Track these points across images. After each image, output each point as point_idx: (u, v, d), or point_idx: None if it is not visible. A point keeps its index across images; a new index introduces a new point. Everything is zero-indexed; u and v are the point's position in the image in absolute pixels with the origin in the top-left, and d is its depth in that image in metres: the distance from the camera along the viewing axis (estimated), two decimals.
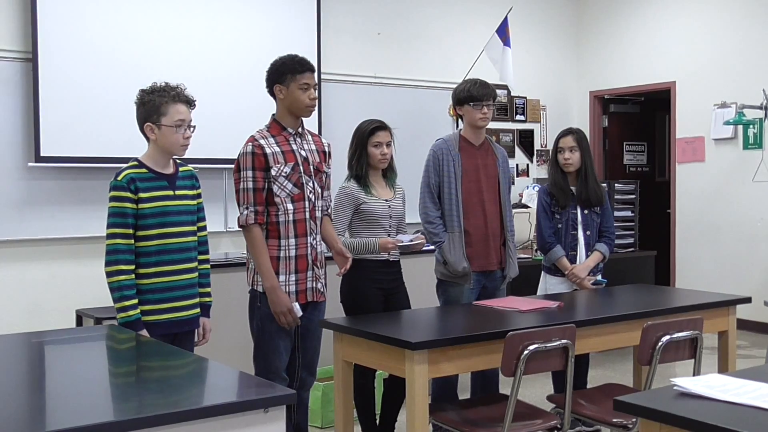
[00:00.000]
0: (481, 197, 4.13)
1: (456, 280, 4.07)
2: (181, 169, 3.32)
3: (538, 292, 4.48)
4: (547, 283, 4.45)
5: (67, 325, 5.15)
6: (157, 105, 3.15)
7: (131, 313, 3.09)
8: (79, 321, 5.30)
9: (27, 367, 2.68)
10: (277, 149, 3.48)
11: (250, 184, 3.44)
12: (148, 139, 3.22)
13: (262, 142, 3.47)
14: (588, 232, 4.40)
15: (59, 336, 3.19)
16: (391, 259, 3.99)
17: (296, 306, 3.46)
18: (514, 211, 4.45)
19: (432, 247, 4.19)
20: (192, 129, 3.24)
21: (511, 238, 4.23)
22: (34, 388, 2.37)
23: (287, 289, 3.47)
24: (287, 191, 3.47)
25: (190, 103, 3.24)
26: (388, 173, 4.07)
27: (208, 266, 3.42)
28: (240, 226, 3.52)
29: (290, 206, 3.48)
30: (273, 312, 3.43)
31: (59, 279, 5.72)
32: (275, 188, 3.46)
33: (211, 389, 2.35)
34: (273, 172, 3.45)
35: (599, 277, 4.46)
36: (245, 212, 3.45)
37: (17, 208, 5.60)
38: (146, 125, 3.18)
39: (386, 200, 3.99)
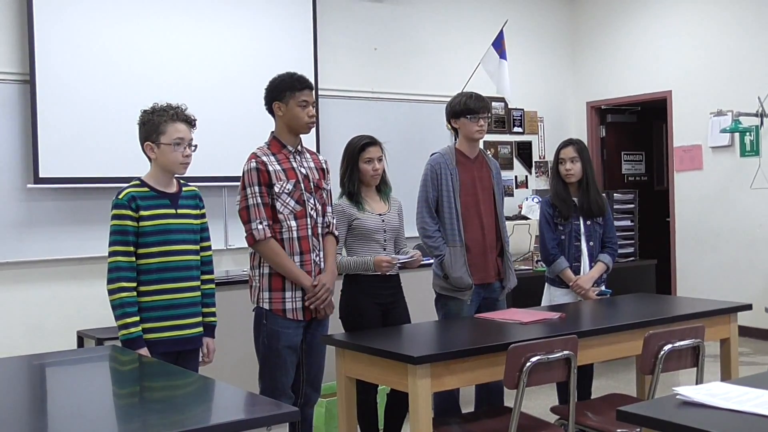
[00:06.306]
0: (478, 210, 4.13)
1: (456, 294, 4.06)
2: (184, 188, 3.33)
3: (543, 304, 4.47)
4: (552, 295, 4.44)
5: (68, 347, 5.14)
6: (156, 124, 3.18)
7: (132, 330, 3.09)
8: (81, 342, 5.29)
9: (28, 390, 2.68)
10: (279, 167, 3.50)
11: (259, 199, 3.45)
12: (150, 159, 3.24)
13: (264, 158, 3.49)
14: (591, 243, 4.39)
15: (61, 358, 3.19)
16: (389, 274, 3.98)
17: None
18: (513, 222, 4.46)
19: (430, 261, 4.18)
20: (193, 148, 3.25)
21: (507, 249, 4.24)
22: (36, 411, 2.36)
23: (293, 306, 3.50)
24: (290, 208, 3.49)
25: (189, 122, 3.26)
26: (382, 187, 4.04)
27: (213, 286, 3.41)
28: (254, 241, 3.48)
29: (293, 223, 3.49)
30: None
31: (60, 300, 5.71)
32: (278, 205, 3.47)
33: (213, 408, 2.34)
34: (276, 189, 3.46)
35: (603, 288, 4.45)
36: (259, 227, 3.44)
37: (17, 230, 5.60)
38: (146, 144, 3.21)
39: (380, 214, 3.97)
